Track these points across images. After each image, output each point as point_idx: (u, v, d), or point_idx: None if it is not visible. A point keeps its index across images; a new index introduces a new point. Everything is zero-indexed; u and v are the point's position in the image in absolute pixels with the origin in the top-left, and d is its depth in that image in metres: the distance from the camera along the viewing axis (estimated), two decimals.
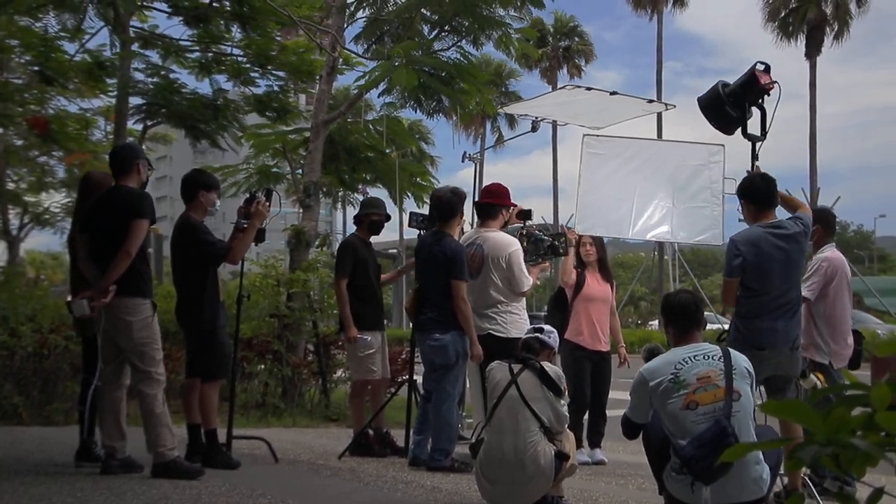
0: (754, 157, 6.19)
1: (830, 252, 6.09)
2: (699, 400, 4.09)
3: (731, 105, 6.07)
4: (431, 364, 6.28)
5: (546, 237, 6.89)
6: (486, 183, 7.12)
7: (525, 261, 6.45)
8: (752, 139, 6.15)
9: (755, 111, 6.15)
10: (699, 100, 6.33)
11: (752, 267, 5.18)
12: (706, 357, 4.23)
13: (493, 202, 6.46)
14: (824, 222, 6.26)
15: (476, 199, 7.22)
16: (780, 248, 5.24)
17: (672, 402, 4.14)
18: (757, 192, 5.47)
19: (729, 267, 5.28)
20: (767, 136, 6.15)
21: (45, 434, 7.35)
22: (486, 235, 6.35)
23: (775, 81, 6.05)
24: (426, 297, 6.33)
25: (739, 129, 6.16)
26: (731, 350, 4.31)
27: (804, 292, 5.76)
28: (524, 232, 6.91)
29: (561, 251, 6.93)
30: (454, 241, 6.30)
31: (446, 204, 6.38)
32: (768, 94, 6.09)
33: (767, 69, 6.14)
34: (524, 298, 6.59)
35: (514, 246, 6.31)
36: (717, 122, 6.25)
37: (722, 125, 6.25)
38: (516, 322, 6.27)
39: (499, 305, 6.25)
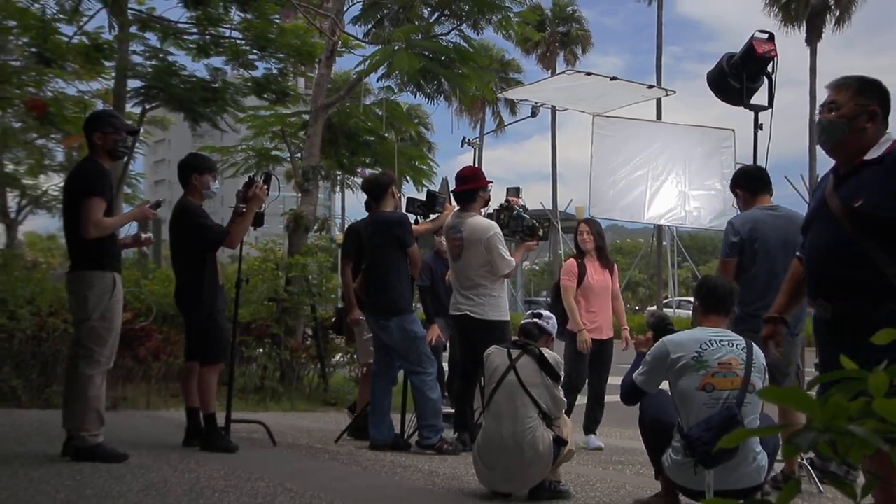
0: (756, 126, 6.18)
1: None
2: (716, 384, 4.13)
3: (733, 77, 6.08)
4: (383, 346, 6.46)
5: (527, 216, 6.85)
6: (485, 168, 7.13)
7: (504, 235, 6.48)
8: (754, 109, 6.15)
9: (765, 80, 6.13)
10: (707, 75, 6.33)
11: (749, 248, 5.18)
12: (731, 344, 4.26)
13: (468, 187, 6.45)
14: None
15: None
16: (778, 229, 5.22)
17: (689, 379, 4.17)
18: (749, 176, 5.47)
19: (727, 248, 5.26)
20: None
21: (44, 417, 7.36)
22: (466, 220, 6.37)
23: (773, 49, 6.03)
24: (371, 279, 6.47)
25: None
26: (753, 344, 4.33)
27: None
28: (505, 205, 6.88)
29: (540, 234, 6.88)
30: (388, 212, 6.53)
31: (374, 184, 6.68)
32: (770, 63, 6.06)
33: (771, 38, 6.12)
34: (505, 281, 6.61)
35: (492, 230, 6.30)
36: (722, 95, 6.26)
37: (726, 97, 6.25)
38: (494, 304, 6.30)
39: (479, 288, 6.28)
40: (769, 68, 6.13)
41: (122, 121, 5.95)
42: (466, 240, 6.27)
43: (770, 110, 6.23)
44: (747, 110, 6.24)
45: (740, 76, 6.07)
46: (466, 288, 6.29)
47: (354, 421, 7.02)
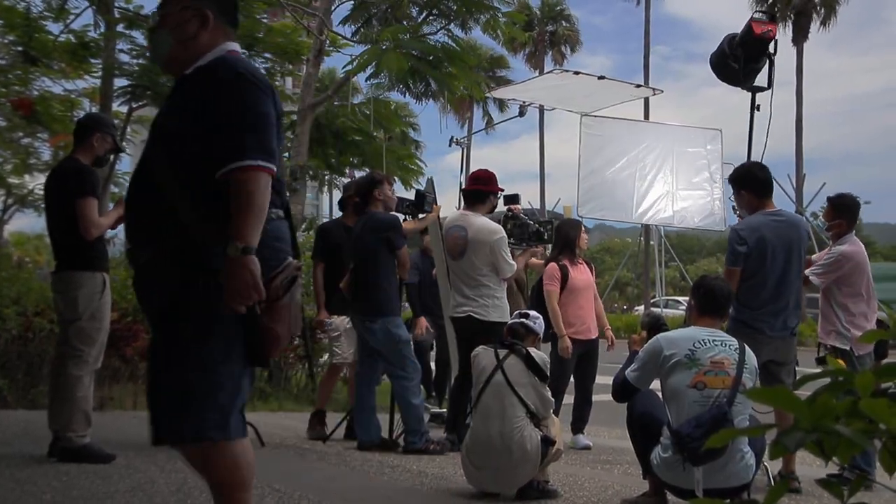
0: (753, 107, 6.20)
1: (849, 245, 5.78)
2: (707, 382, 4.16)
3: (733, 58, 6.11)
4: (368, 348, 6.42)
5: (531, 222, 6.87)
6: (472, 167, 7.16)
7: (510, 244, 6.47)
8: (753, 90, 6.18)
9: (767, 61, 6.17)
10: (710, 57, 6.36)
11: (755, 254, 5.18)
12: (723, 344, 4.29)
13: (482, 188, 6.46)
14: (848, 216, 5.95)
15: (463, 184, 7.26)
16: (782, 236, 5.25)
17: (681, 376, 4.19)
18: (756, 179, 5.44)
19: (732, 256, 5.24)
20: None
21: (30, 417, 7.31)
22: (471, 220, 6.36)
23: (772, 29, 6.04)
24: (359, 279, 6.41)
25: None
26: (746, 346, 4.36)
27: (812, 277, 5.68)
28: (510, 214, 6.89)
29: (546, 237, 6.90)
30: (380, 213, 6.44)
31: (362, 186, 6.61)
32: (769, 43, 6.07)
33: (772, 18, 6.14)
34: (506, 283, 6.60)
35: (498, 234, 6.30)
36: (723, 77, 6.28)
37: (727, 79, 6.28)
38: (497, 305, 6.29)
39: (482, 289, 6.27)
40: (770, 49, 6.14)
41: (118, 135, 5.99)
42: (471, 240, 6.25)
43: (770, 90, 6.25)
44: (744, 97, 6.28)
45: (740, 57, 6.09)
46: (471, 287, 6.26)
47: (314, 416, 7.11)
